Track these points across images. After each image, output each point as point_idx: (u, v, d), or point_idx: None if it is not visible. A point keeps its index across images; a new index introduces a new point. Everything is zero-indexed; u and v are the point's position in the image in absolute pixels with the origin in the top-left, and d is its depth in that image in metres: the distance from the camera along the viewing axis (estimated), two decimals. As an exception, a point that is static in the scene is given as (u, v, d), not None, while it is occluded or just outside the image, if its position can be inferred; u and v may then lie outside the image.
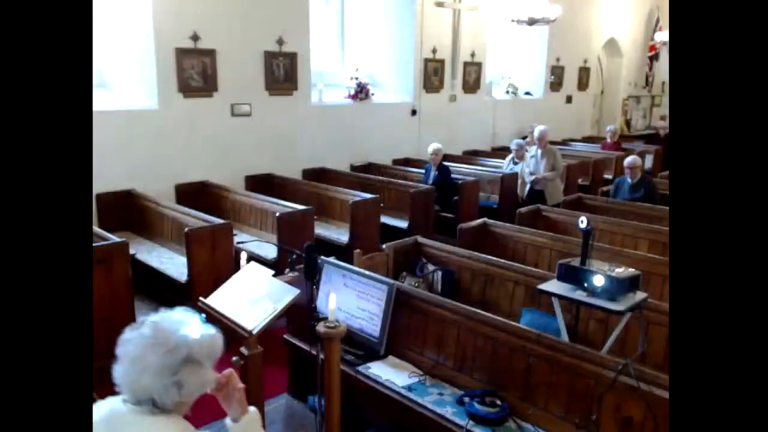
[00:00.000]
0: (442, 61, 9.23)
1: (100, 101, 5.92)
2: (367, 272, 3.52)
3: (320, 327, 2.51)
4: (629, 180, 6.47)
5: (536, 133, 7.10)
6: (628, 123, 14.44)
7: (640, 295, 2.95)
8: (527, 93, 11.37)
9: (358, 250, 4.22)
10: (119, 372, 1.50)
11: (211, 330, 1.59)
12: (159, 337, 1.49)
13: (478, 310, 3.12)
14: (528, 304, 3.81)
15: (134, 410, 1.49)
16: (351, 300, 3.44)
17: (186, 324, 1.55)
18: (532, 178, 7.01)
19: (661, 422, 2.30)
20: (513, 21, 9.16)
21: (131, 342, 1.50)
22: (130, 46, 6.14)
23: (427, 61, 8.98)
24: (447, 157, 7.96)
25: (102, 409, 1.53)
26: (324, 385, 2.58)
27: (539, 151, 7.07)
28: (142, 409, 1.49)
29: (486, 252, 4.43)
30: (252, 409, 1.74)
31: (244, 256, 3.17)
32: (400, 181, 7.01)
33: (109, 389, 1.54)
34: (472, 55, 9.71)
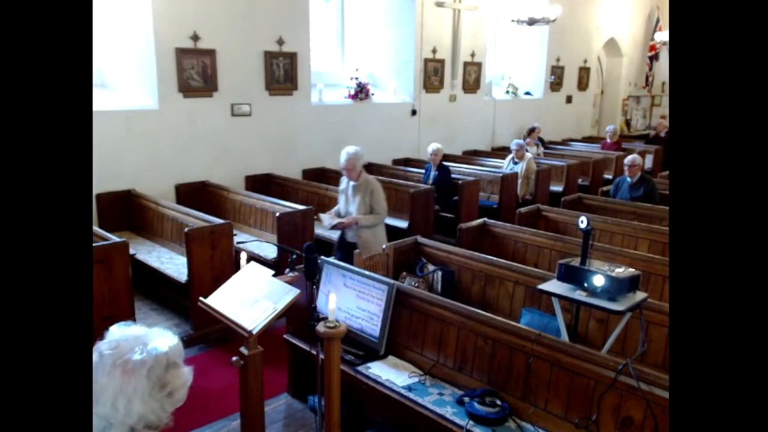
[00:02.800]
0: (442, 61, 9.23)
1: (100, 101, 5.92)
2: (367, 272, 3.52)
3: (320, 327, 2.51)
4: (629, 179, 6.47)
5: (343, 160, 4.63)
6: (628, 123, 14.44)
7: (640, 295, 2.95)
8: (527, 93, 11.38)
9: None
10: (100, 414, 1.34)
11: (164, 331, 1.51)
12: (133, 360, 1.37)
13: (478, 310, 3.12)
14: (528, 304, 3.81)
15: None
16: (351, 300, 3.44)
17: (145, 335, 1.45)
18: (333, 222, 4.69)
19: (661, 422, 2.30)
20: (513, 21, 9.16)
21: (99, 380, 1.36)
22: (130, 46, 6.14)
23: (427, 61, 8.98)
24: (447, 157, 7.96)
25: None
26: (324, 385, 2.58)
27: (351, 185, 4.74)
28: None
29: (486, 252, 4.44)
30: None
31: (244, 256, 3.17)
32: (400, 181, 7.01)
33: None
34: (472, 55, 9.71)
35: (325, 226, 4.71)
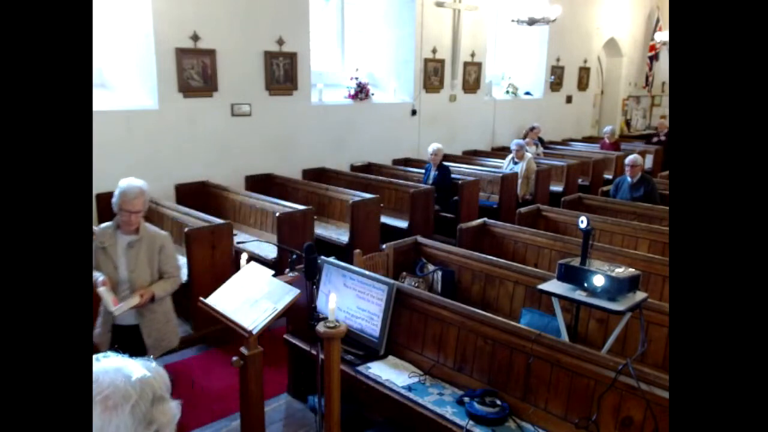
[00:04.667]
0: (442, 61, 9.23)
1: (100, 101, 5.92)
2: (367, 272, 3.52)
3: (320, 327, 2.51)
4: (629, 179, 6.47)
5: (131, 197, 3.38)
6: (628, 123, 14.44)
7: (640, 295, 2.95)
8: (527, 93, 11.38)
9: (358, 250, 4.22)
10: None
11: (150, 362, 1.35)
12: (115, 395, 1.22)
13: (478, 310, 3.12)
14: (528, 304, 3.81)
15: None
16: (351, 300, 3.44)
17: (126, 366, 1.29)
18: (124, 306, 3.13)
19: (661, 422, 2.30)
20: (513, 21, 9.16)
21: None
22: (130, 46, 6.14)
23: (427, 61, 8.98)
24: (447, 157, 7.96)
25: None
26: (324, 385, 2.58)
27: (126, 240, 3.28)
28: None
29: (486, 252, 4.44)
30: None
31: (244, 256, 3.17)
32: (400, 181, 7.01)
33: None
34: (472, 55, 9.71)
35: (114, 313, 3.10)
